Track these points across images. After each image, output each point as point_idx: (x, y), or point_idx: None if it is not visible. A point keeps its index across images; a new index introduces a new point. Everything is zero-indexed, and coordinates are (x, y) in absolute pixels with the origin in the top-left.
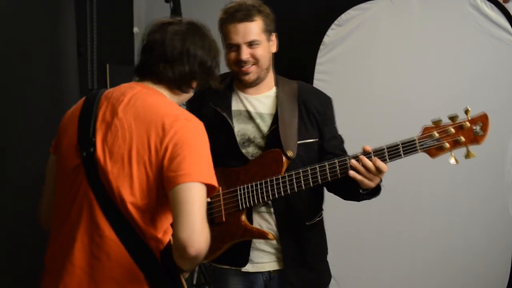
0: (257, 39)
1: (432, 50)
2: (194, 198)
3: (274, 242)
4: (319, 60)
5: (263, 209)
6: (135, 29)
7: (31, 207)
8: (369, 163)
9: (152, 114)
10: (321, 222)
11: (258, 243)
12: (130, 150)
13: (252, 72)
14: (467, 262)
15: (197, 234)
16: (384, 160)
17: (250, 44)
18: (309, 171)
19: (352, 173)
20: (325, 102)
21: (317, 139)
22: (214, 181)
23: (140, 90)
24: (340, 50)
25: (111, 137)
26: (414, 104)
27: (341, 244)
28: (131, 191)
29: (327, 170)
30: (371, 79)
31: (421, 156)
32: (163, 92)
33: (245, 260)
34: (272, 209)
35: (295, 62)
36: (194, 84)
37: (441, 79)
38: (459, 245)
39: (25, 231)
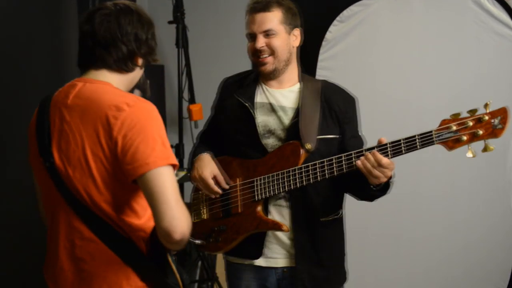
0: (273, 28)
1: (434, 47)
2: (160, 185)
3: (288, 237)
4: (321, 56)
5: (279, 202)
6: None
7: (32, 207)
8: (371, 158)
9: (95, 109)
10: (338, 221)
11: (272, 237)
12: (84, 151)
13: (268, 62)
14: (468, 263)
15: (177, 219)
16: (399, 152)
17: (266, 34)
18: (326, 162)
19: (359, 163)
20: (348, 101)
21: (337, 136)
22: (172, 160)
23: (82, 86)
24: (342, 47)
25: (64, 143)
26: (416, 101)
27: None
28: (98, 190)
29: (343, 161)
30: (373, 76)
31: (422, 157)
32: (109, 77)
33: (259, 252)
34: (288, 203)
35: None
36: (140, 61)
37: (442, 76)
38: (460, 246)
39: (27, 231)
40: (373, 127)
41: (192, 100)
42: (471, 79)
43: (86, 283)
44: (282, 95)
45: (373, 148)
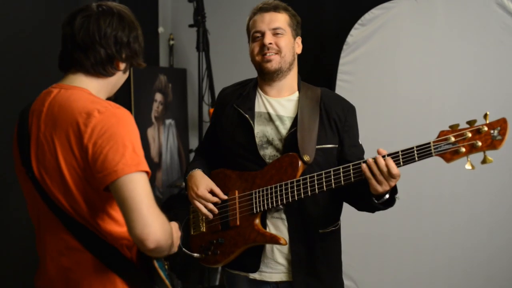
0: (282, 27)
1: (457, 50)
2: (130, 193)
3: (286, 252)
4: (342, 60)
5: (276, 214)
6: (160, 29)
7: None
8: (382, 162)
9: (67, 117)
10: (336, 232)
11: (270, 251)
12: (58, 161)
13: (274, 60)
14: (472, 263)
15: (148, 227)
16: (398, 164)
17: (275, 32)
18: (323, 174)
19: (364, 166)
20: (347, 109)
21: (336, 145)
22: (142, 167)
23: (57, 93)
24: (363, 50)
25: (41, 153)
26: (438, 105)
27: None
28: (75, 199)
29: (341, 174)
30: (394, 80)
31: (426, 159)
32: (86, 82)
33: (256, 266)
34: (286, 215)
35: (319, 62)
36: (121, 65)
37: (465, 79)
38: (464, 247)
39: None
40: (395, 131)
41: (213, 104)
42: (494, 82)
43: None
44: (280, 104)
45: (364, 161)
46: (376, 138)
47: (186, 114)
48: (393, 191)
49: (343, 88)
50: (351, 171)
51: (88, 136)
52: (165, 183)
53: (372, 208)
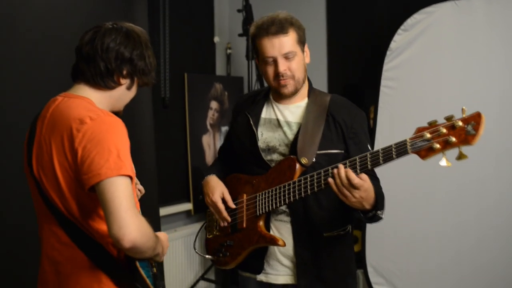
0: (292, 50)
1: (498, 52)
2: (110, 195)
3: (290, 255)
4: (386, 66)
5: (280, 217)
6: (216, 38)
7: None
8: (342, 172)
9: (63, 122)
10: (344, 237)
11: (275, 253)
12: (53, 162)
13: (289, 84)
14: (478, 262)
15: (124, 228)
16: (378, 163)
17: (287, 56)
18: (315, 175)
19: (330, 180)
20: (355, 115)
21: (342, 151)
22: (124, 171)
23: (61, 100)
24: (406, 56)
25: (40, 154)
26: (482, 109)
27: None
28: (65, 197)
29: (322, 176)
30: (438, 85)
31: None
32: (88, 92)
33: (260, 267)
34: (290, 218)
35: (363, 70)
36: (122, 80)
37: (507, 83)
38: (470, 244)
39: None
40: None
41: None
42: None
43: (63, 286)
44: (289, 111)
45: (353, 160)
46: None
47: None
48: (378, 206)
49: (387, 94)
50: (329, 174)
51: (79, 141)
52: None
53: (361, 220)
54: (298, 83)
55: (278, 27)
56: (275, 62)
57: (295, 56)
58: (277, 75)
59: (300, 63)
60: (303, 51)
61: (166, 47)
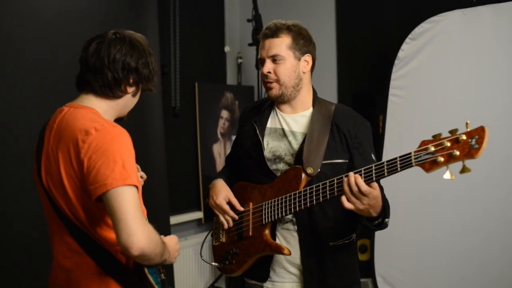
0: (280, 54)
1: (507, 60)
2: (117, 204)
3: (297, 263)
4: (394, 75)
5: (286, 226)
6: (226, 48)
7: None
8: (351, 180)
9: (69, 133)
10: (349, 245)
11: (279, 261)
12: (60, 171)
13: (274, 87)
14: (488, 274)
15: (133, 236)
16: (382, 175)
17: (274, 59)
18: (320, 185)
19: (345, 187)
20: (359, 126)
21: (346, 161)
22: (129, 181)
23: (67, 111)
24: (415, 65)
25: (48, 164)
26: (490, 118)
27: None
28: (73, 206)
29: (335, 185)
30: (446, 94)
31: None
32: (95, 102)
33: (266, 275)
34: (296, 227)
35: (371, 79)
36: (129, 89)
37: None
38: (476, 243)
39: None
40: None
41: None
42: None
43: None
44: (294, 120)
45: (360, 171)
46: None
47: None
48: (385, 214)
49: (395, 103)
50: (335, 185)
51: (84, 152)
52: None
53: (367, 226)
54: (285, 88)
55: (273, 30)
56: (263, 63)
57: (283, 60)
58: (264, 76)
59: (288, 69)
60: (297, 58)
61: (177, 56)
